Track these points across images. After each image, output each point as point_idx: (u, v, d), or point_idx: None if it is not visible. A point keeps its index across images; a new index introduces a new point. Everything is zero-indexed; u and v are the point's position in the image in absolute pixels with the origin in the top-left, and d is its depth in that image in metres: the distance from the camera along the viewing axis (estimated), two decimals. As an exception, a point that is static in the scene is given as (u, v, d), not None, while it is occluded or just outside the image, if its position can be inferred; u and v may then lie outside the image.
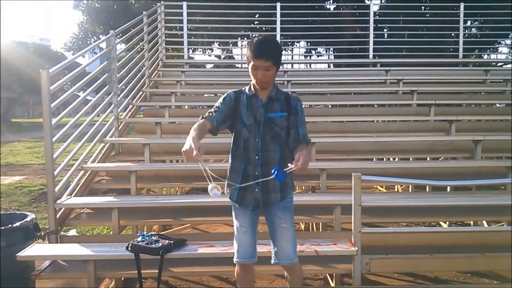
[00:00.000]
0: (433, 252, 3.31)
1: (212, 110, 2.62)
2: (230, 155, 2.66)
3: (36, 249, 3.17)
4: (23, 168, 10.98)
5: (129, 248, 3.05)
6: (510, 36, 11.62)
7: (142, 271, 3.06)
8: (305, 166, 2.32)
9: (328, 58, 14.97)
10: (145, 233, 3.17)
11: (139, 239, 3.09)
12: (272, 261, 2.65)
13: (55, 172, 3.64)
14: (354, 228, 3.17)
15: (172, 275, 3.47)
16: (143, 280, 3.62)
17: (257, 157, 2.53)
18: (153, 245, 2.99)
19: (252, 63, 2.46)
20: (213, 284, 3.88)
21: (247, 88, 2.64)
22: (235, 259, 2.65)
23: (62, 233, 5.27)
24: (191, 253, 3.08)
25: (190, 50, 10.18)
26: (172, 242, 3.07)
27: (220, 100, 2.65)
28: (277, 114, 2.56)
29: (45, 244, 3.42)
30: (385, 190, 7.03)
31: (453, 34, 9.77)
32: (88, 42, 17.07)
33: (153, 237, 3.12)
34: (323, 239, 3.33)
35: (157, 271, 2.99)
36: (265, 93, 2.58)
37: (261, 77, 2.47)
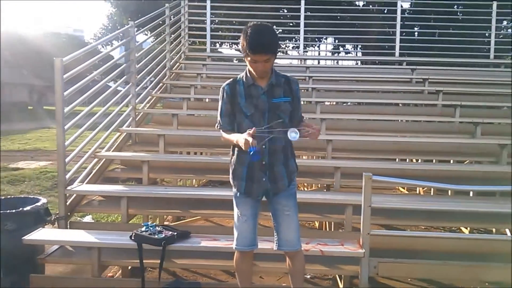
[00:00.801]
0: (448, 259, 3.16)
1: (219, 117, 2.61)
2: (232, 148, 2.61)
3: (42, 234, 3.21)
4: (50, 154, 11.26)
5: (132, 238, 3.04)
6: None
7: (146, 261, 3.05)
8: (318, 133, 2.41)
9: (356, 55, 14.70)
10: (149, 223, 3.15)
11: (143, 229, 3.08)
12: (275, 247, 2.62)
13: (67, 160, 3.66)
14: (363, 229, 3.05)
15: (176, 266, 3.45)
16: (151, 270, 3.64)
17: (264, 146, 2.45)
18: (156, 236, 2.97)
19: (249, 57, 2.39)
20: (220, 277, 3.84)
21: (242, 75, 2.56)
22: (234, 246, 2.63)
23: (78, 218, 5.42)
24: (193, 246, 3.04)
25: (214, 44, 10.15)
26: (175, 233, 3.04)
27: (220, 101, 2.61)
28: (281, 100, 2.50)
29: (52, 229, 3.46)
30: (406, 192, 6.83)
31: (486, 34, 9.40)
32: (121, 34, 17.32)
33: (157, 228, 3.10)
34: (331, 239, 3.23)
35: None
36: (264, 80, 2.51)
37: (261, 70, 2.42)
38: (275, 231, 2.61)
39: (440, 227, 4.84)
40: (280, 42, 2.55)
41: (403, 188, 6.90)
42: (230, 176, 2.63)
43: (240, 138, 2.33)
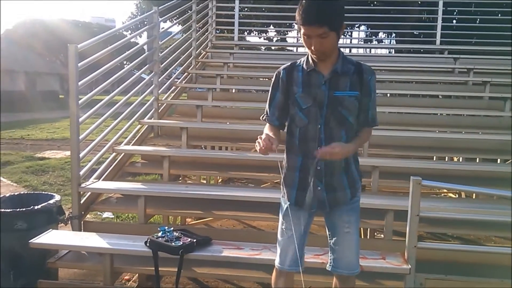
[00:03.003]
0: (506, 277, 2.73)
1: (267, 106, 2.20)
2: (285, 149, 2.21)
3: (51, 236, 2.96)
4: (81, 144, 11.25)
5: (147, 244, 2.74)
6: None
7: (162, 268, 2.76)
8: (330, 155, 1.93)
9: (390, 43, 14.00)
10: (166, 228, 2.84)
11: (160, 234, 2.78)
12: (328, 267, 2.24)
13: (81, 155, 3.40)
14: (409, 241, 2.65)
15: (195, 275, 3.16)
16: (167, 277, 3.36)
17: (319, 148, 2.01)
18: (173, 244, 2.66)
19: (302, 30, 1.94)
20: (243, 284, 3.53)
21: (303, 60, 2.11)
22: (276, 264, 2.25)
23: (98, 213, 5.21)
24: (214, 255, 2.71)
25: (242, 32, 9.78)
26: (194, 241, 2.73)
27: (273, 85, 2.18)
28: (345, 94, 2.03)
29: (63, 231, 3.21)
30: (451, 195, 6.28)
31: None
32: (145, 22, 17.22)
33: (174, 233, 2.79)
34: (370, 251, 2.83)
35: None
36: (328, 66, 2.04)
37: (316, 48, 1.94)
38: (330, 249, 2.23)
39: (492, 236, 4.38)
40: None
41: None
42: (281, 182, 2.25)
43: (268, 139, 1.95)
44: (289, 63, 2.18)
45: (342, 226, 2.14)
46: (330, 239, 2.23)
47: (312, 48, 1.95)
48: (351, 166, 2.15)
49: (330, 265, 2.24)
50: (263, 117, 2.25)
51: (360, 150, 4.32)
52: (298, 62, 2.14)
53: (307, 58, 2.09)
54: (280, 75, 2.15)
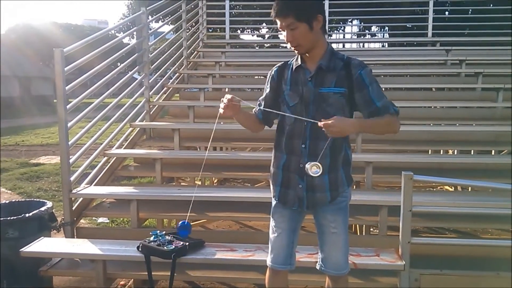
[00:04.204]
0: (503, 269, 2.71)
1: (260, 98, 2.23)
2: (273, 146, 2.21)
3: (43, 244, 2.92)
4: (73, 148, 11.19)
5: (140, 249, 2.72)
6: None
7: (156, 273, 2.73)
8: (332, 128, 1.83)
9: (383, 36, 13.97)
10: (158, 232, 2.81)
11: (152, 238, 2.74)
12: (318, 267, 2.23)
13: (71, 160, 3.37)
14: (402, 237, 2.63)
15: (189, 279, 3.13)
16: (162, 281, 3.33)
17: (303, 145, 2.03)
18: (165, 248, 2.63)
19: (278, 24, 2.00)
20: (239, 285, 3.50)
21: (295, 58, 2.12)
22: (268, 262, 2.24)
23: (93, 218, 5.17)
24: (207, 258, 2.68)
25: (234, 30, 9.72)
26: (187, 244, 2.70)
27: (266, 83, 2.22)
28: (330, 90, 2.00)
29: (54, 238, 3.17)
30: (448, 188, 6.27)
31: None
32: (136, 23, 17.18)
33: (167, 237, 2.75)
34: (364, 248, 2.81)
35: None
36: (315, 62, 2.03)
37: (288, 40, 1.97)
38: (319, 248, 2.22)
39: (488, 229, 4.37)
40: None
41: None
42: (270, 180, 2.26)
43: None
44: (282, 62, 2.20)
45: (327, 226, 2.12)
46: (318, 239, 2.21)
47: (286, 40, 1.99)
48: (337, 169, 2.09)
49: (319, 265, 2.23)
50: (255, 110, 2.25)
51: (354, 145, 4.30)
52: (290, 61, 2.16)
53: (297, 56, 2.10)
54: (271, 74, 2.18)
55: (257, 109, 2.23)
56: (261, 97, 2.25)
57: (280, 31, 2.04)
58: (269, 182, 2.26)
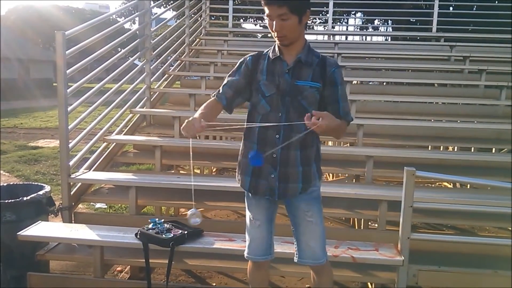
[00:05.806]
0: (500, 267, 2.71)
1: (222, 85, 2.16)
2: (243, 135, 2.19)
3: (40, 228, 2.90)
4: (72, 132, 11.17)
5: (138, 237, 2.70)
6: None
7: (153, 260, 2.73)
8: (324, 122, 1.79)
9: (386, 30, 13.88)
10: (157, 219, 2.80)
11: (150, 226, 2.74)
12: (296, 259, 2.22)
13: (70, 145, 3.34)
14: (402, 233, 2.62)
15: (186, 267, 3.12)
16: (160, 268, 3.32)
17: (277, 135, 2.03)
18: (164, 236, 2.62)
19: (266, 11, 1.95)
20: (236, 275, 3.51)
21: (271, 49, 2.11)
22: (245, 254, 2.25)
23: (91, 203, 5.15)
24: (205, 247, 2.67)
25: (237, 19, 9.62)
26: (185, 232, 2.69)
27: (235, 68, 2.17)
28: (306, 83, 2.02)
29: (52, 223, 3.15)
30: (447, 185, 6.27)
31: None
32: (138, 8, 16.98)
33: (165, 225, 2.75)
34: (363, 242, 2.80)
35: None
36: (293, 55, 2.04)
37: (276, 29, 1.95)
38: (295, 239, 2.20)
39: (486, 227, 4.37)
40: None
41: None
42: (236, 170, 2.24)
43: (191, 119, 1.93)
44: (256, 52, 2.18)
45: (303, 216, 2.12)
46: (293, 230, 2.20)
47: (273, 29, 1.96)
48: (310, 162, 2.10)
49: (296, 256, 2.21)
50: (213, 94, 2.19)
51: (355, 139, 4.29)
52: (266, 51, 2.15)
53: (274, 46, 2.11)
54: (247, 60, 2.16)
55: (214, 94, 2.16)
56: (225, 83, 2.16)
57: (264, 18, 2.01)
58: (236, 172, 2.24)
